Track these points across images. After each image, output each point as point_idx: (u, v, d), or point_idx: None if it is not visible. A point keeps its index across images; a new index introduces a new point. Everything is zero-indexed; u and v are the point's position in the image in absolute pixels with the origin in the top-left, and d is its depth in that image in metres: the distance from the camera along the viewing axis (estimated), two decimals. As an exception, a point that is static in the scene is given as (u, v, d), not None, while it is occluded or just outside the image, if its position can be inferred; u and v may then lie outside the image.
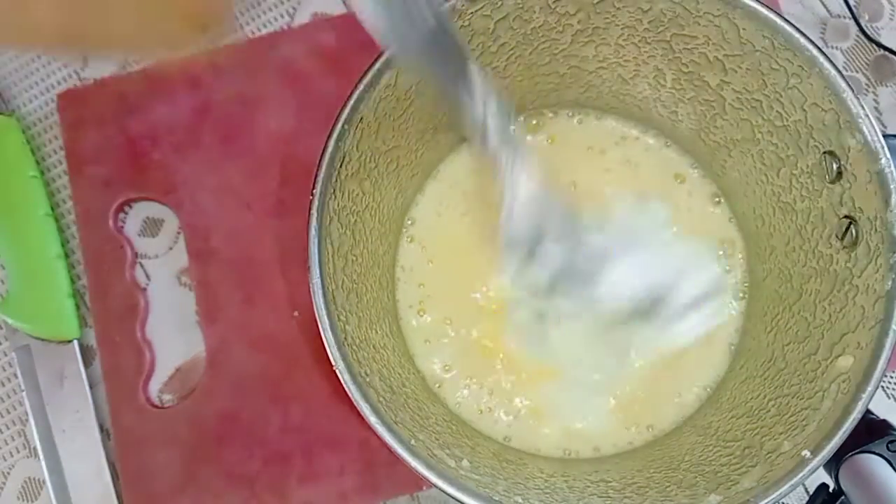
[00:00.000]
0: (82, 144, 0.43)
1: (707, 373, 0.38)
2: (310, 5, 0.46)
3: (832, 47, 0.45)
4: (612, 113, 0.40)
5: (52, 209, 0.44)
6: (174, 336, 0.43)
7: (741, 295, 0.39)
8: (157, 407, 0.42)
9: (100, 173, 0.43)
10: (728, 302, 0.39)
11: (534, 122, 0.41)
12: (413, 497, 0.42)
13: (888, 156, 0.29)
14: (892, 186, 0.29)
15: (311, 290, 0.30)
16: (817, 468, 0.29)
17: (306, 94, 0.43)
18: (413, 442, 0.30)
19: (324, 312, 0.30)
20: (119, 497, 0.41)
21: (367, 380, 0.31)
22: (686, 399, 0.38)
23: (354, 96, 0.31)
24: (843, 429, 0.29)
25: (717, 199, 0.40)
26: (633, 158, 0.40)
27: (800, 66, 0.30)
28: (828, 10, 0.45)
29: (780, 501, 0.29)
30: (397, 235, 0.40)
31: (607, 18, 0.34)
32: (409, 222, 0.40)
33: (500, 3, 0.32)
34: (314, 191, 0.31)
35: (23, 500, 0.43)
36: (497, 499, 0.30)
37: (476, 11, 0.32)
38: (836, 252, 0.32)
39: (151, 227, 0.44)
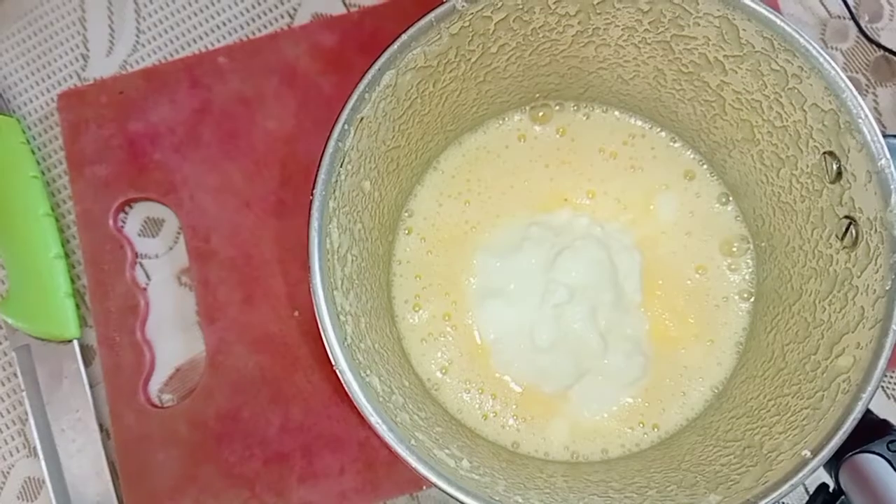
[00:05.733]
0: (82, 144, 0.43)
1: (715, 372, 0.38)
2: (310, 5, 0.46)
3: (832, 48, 0.45)
4: (615, 107, 0.40)
5: (52, 209, 0.44)
6: (174, 336, 0.43)
7: (747, 295, 0.39)
8: (157, 407, 0.42)
9: (100, 173, 0.43)
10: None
11: (540, 113, 0.41)
12: (413, 497, 0.42)
13: (888, 156, 0.29)
14: (892, 186, 0.29)
15: (311, 290, 0.30)
16: (817, 468, 0.29)
17: (306, 94, 0.43)
18: (413, 442, 0.30)
19: (324, 312, 0.30)
20: (119, 497, 0.41)
21: (367, 380, 0.31)
22: (693, 399, 0.38)
23: (355, 96, 0.31)
24: (843, 429, 0.29)
25: (723, 199, 0.40)
26: (641, 156, 0.40)
27: (800, 66, 0.30)
28: (828, 11, 0.45)
29: (780, 501, 0.29)
30: (395, 231, 0.40)
31: (607, 19, 0.34)
32: (407, 214, 0.40)
33: (500, 3, 0.32)
34: (314, 191, 0.31)
35: (23, 500, 0.43)
36: (497, 499, 0.30)
37: (476, 12, 0.32)
38: (836, 252, 0.32)
39: (151, 227, 0.44)
